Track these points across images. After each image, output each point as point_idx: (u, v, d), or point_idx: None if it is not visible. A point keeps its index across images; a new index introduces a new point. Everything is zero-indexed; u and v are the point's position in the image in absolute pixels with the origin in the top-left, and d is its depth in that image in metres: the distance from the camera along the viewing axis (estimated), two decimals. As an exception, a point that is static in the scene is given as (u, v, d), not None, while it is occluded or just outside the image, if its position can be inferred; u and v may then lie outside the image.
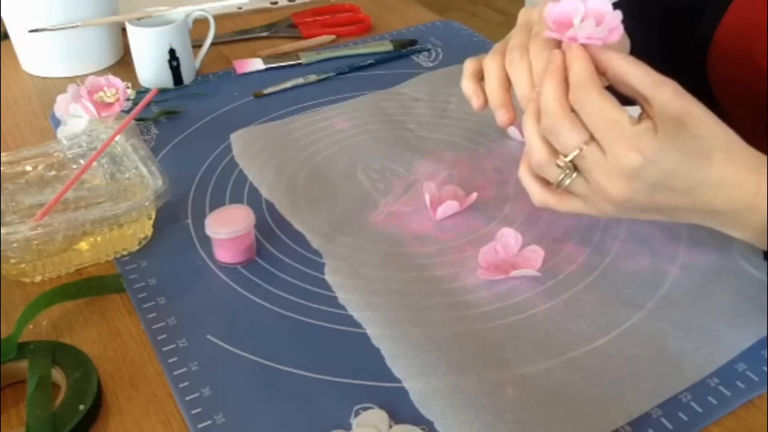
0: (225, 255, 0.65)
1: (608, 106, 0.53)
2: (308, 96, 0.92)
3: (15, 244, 0.60)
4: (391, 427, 0.51)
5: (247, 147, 0.81)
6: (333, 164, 0.78)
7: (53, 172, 0.72)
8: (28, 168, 0.71)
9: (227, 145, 0.82)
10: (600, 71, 0.55)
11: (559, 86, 0.55)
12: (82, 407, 0.51)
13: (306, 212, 0.71)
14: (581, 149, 0.54)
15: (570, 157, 0.55)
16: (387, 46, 1.02)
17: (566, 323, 0.59)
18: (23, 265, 0.63)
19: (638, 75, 0.54)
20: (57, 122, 0.87)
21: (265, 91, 0.93)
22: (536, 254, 0.62)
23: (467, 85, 0.67)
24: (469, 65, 0.67)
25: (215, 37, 1.00)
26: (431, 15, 1.14)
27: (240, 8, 1.16)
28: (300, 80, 0.95)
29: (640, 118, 0.54)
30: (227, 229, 0.64)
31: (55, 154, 0.72)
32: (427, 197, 0.70)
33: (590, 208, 0.57)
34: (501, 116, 0.64)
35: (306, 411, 0.53)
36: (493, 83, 0.64)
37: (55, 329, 0.60)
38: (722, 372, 0.54)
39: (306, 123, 0.86)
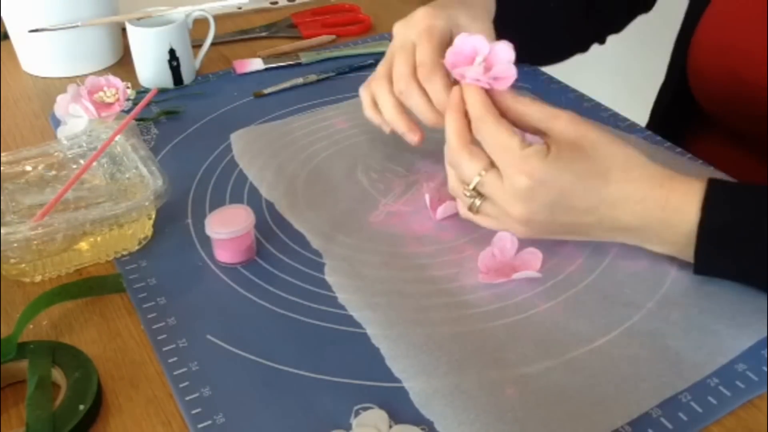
0: (225, 255, 0.65)
1: (502, 132, 0.58)
2: (308, 96, 0.92)
3: (15, 244, 0.60)
4: (391, 427, 0.51)
5: (247, 147, 0.81)
6: (333, 164, 0.78)
7: (53, 172, 0.72)
8: (28, 168, 0.71)
9: (227, 145, 0.82)
10: (500, 113, 0.59)
11: (458, 121, 0.60)
12: (82, 407, 0.51)
13: (306, 212, 0.71)
14: (481, 176, 0.59)
15: (472, 185, 0.59)
16: (387, 46, 1.02)
17: (566, 323, 0.58)
18: (23, 265, 0.63)
19: (534, 112, 0.59)
20: (57, 122, 0.87)
21: (265, 91, 0.93)
22: (534, 256, 0.63)
23: (371, 116, 0.73)
24: (365, 96, 0.73)
25: (215, 37, 1.00)
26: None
27: (240, 8, 1.16)
28: (300, 80, 0.95)
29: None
30: (227, 229, 0.64)
31: (55, 154, 0.72)
32: (427, 197, 0.70)
33: (507, 227, 0.61)
34: (411, 138, 0.70)
35: (306, 411, 0.53)
36: (389, 112, 0.70)
37: (55, 329, 0.60)
38: (722, 372, 0.54)
39: (306, 123, 0.86)
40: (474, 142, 0.60)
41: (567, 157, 0.57)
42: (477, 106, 0.59)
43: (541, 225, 0.59)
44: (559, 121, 0.58)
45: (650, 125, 0.94)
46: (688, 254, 0.59)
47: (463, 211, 0.64)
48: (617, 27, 0.94)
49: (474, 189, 0.60)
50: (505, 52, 0.60)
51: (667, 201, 0.57)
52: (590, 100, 0.89)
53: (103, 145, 0.69)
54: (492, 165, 0.58)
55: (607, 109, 0.87)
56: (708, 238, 0.57)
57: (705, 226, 0.56)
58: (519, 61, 0.60)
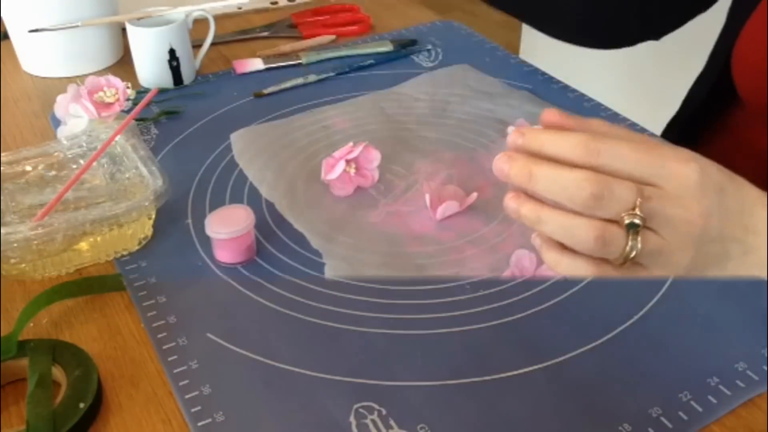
0: (225, 255, 0.65)
1: (627, 142, 0.46)
2: (308, 96, 0.92)
3: (15, 244, 0.60)
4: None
5: (247, 147, 0.81)
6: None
7: (53, 172, 0.72)
8: (28, 168, 0.71)
9: (227, 145, 0.82)
10: None
11: (570, 155, 0.46)
12: (82, 405, 0.51)
13: (306, 212, 0.71)
14: (642, 193, 0.45)
15: (638, 207, 0.45)
16: (387, 46, 1.02)
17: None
18: (23, 265, 0.63)
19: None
20: (57, 122, 0.87)
21: (265, 91, 0.93)
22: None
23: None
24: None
25: (215, 37, 1.00)
26: (431, 15, 1.14)
27: (240, 8, 1.16)
28: (300, 80, 0.95)
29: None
30: (227, 229, 0.64)
31: (55, 154, 0.72)
32: (427, 197, 0.70)
33: (658, 270, 0.49)
34: None
35: (306, 409, 0.53)
36: None
37: (55, 327, 0.60)
38: (722, 371, 0.54)
39: (306, 123, 0.86)
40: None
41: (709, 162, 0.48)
42: (573, 136, 0.46)
43: (710, 239, 0.47)
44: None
45: (680, 116, 0.93)
46: None
47: (594, 270, 0.48)
48: (677, 22, 0.88)
49: (631, 222, 0.45)
50: None
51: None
52: (590, 100, 0.89)
53: (104, 145, 0.69)
54: (639, 184, 0.46)
55: (606, 109, 0.87)
56: None
57: None
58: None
